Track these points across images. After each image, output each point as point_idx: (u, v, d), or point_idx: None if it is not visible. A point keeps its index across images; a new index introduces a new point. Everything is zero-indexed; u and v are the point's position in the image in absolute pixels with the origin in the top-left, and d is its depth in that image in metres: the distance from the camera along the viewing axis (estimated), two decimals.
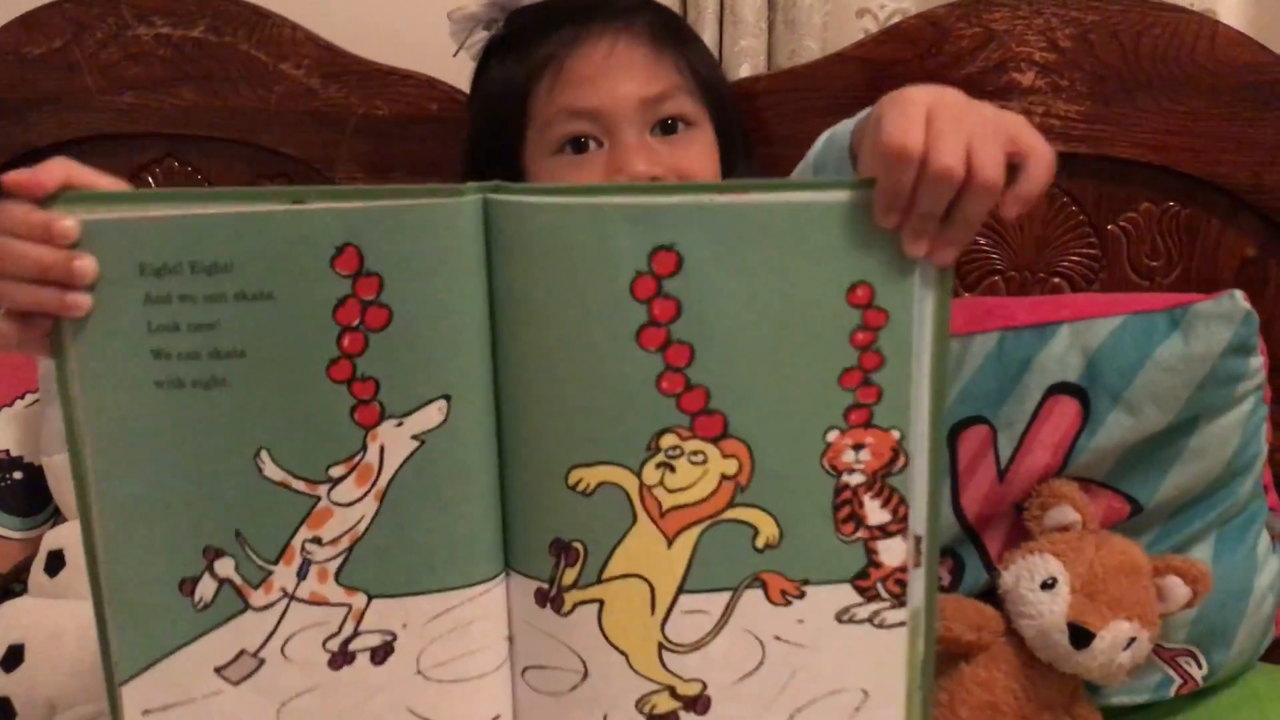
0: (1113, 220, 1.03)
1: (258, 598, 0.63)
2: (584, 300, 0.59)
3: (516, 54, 0.85)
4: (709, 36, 1.10)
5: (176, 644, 0.64)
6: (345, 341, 0.59)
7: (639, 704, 0.64)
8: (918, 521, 0.62)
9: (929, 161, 0.55)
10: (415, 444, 0.61)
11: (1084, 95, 1.00)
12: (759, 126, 1.04)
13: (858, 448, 0.61)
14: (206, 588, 0.63)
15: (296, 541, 0.62)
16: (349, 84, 1.11)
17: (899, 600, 0.63)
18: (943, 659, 0.89)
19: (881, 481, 0.62)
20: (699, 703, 0.64)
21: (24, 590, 0.93)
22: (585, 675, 0.64)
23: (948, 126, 0.55)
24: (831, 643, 0.64)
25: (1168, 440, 0.91)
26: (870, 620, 0.63)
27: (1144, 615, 0.86)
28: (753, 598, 0.63)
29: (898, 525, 0.62)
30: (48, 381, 0.94)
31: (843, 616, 0.63)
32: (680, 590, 0.63)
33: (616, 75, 0.80)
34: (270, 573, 0.63)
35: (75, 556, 0.91)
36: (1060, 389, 0.92)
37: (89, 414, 0.61)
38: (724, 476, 0.61)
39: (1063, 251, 1.04)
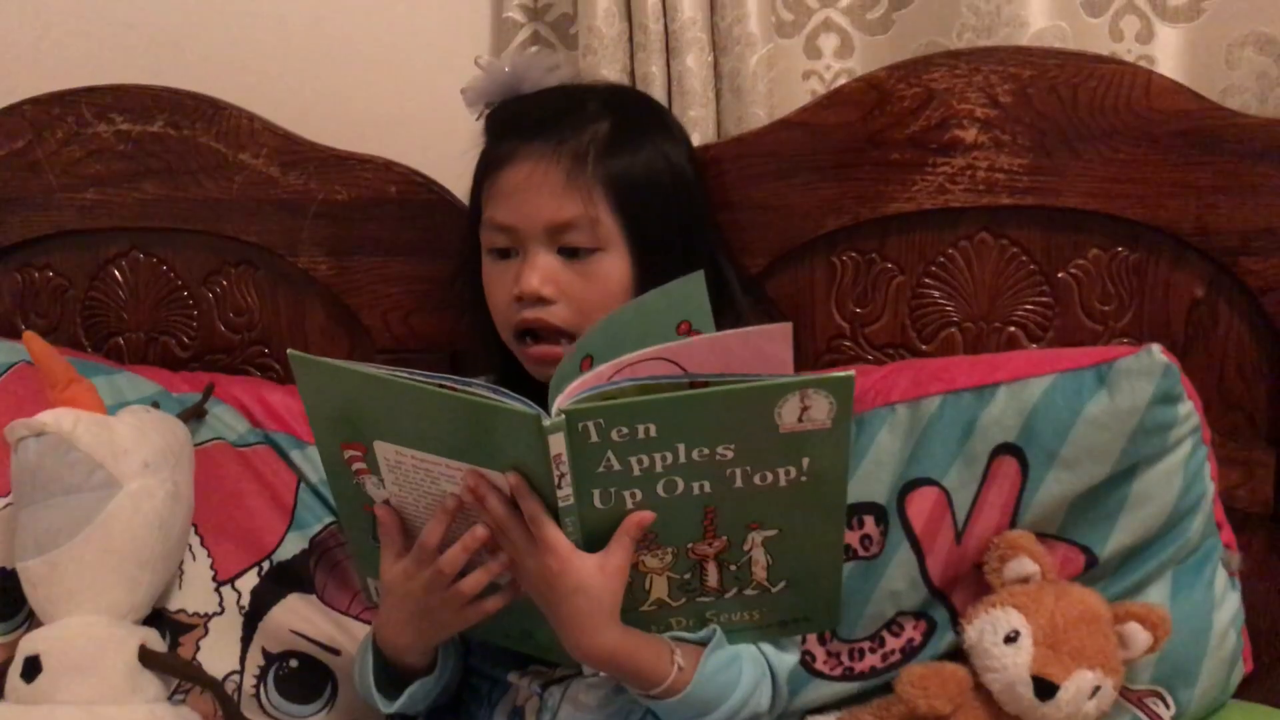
0: (1063, 268, 1.05)
1: None
2: None
3: (484, 146, 0.94)
4: None
5: None
6: None
7: None
8: None
9: None
10: None
11: (1026, 148, 1.02)
12: (712, 193, 1.06)
13: None
14: None
15: None
16: (308, 170, 1.13)
17: None
18: None
19: None
20: None
21: (0, 697, 0.93)
22: None
23: None
24: None
25: (1111, 489, 0.93)
26: None
27: (1106, 663, 0.87)
28: None
29: None
30: (21, 485, 0.94)
31: None
32: None
33: (529, 198, 0.87)
34: None
35: (52, 662, 0.90)
36: (1003, 449, 0.94)
37: None
38: None
39: (1016, 301, 1.06)
